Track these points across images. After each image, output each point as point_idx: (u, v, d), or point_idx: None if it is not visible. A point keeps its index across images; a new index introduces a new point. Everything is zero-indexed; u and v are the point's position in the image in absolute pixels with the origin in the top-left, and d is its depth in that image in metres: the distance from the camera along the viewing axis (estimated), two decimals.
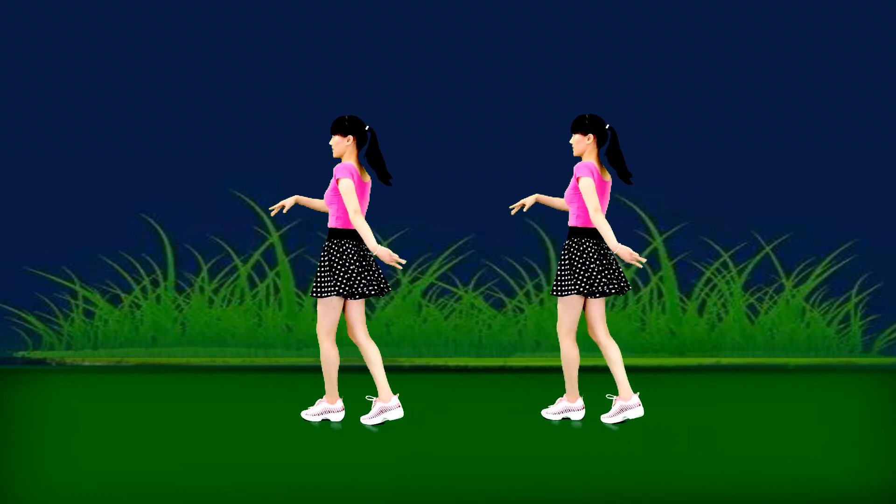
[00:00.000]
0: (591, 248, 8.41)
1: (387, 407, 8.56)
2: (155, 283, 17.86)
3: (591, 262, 8.40)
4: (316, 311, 8.53)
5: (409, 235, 17.68)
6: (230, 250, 17.90)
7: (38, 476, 6.05)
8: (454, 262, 17.85)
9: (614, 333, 17.79)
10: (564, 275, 8.41)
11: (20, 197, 17.39)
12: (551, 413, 8.74)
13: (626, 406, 8.58)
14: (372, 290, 8.46)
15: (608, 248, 8.45)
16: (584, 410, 8.72)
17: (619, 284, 8.49)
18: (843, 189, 17.38)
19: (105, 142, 17.49)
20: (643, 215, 17.47)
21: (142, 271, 17.83)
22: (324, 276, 8.42)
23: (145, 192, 17.53)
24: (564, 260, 8.44)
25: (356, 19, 17.60)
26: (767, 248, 17.86)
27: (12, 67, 17.47)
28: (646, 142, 17.28)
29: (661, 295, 17.89)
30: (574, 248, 8.42)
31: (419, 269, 17.95)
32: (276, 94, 17.30)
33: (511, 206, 8.86)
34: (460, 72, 17.58)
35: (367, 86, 17.47)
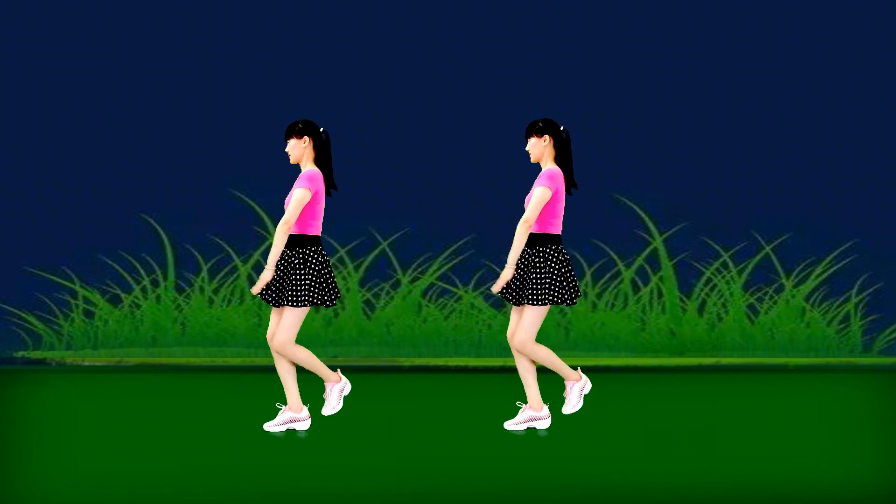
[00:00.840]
0: (560, 254, 8.34)
1: (297, 417, 8.40)
2: (155, 283, 17.87)
3: (564, 269, 8.32)
4: (270, 318, 8.37)
5: (409, 235, 17.68)
6: (230, 250, 17.91)
7: (38, 476, 6.05)
8: (454, 262, 17.86)
9: (615, 333, 17.83)
10: (540, 283, 8.27)
11: (20, 197, 17.40)
12: (571, 406, 8.53)
13: (537, 416, 8.42)
14: (337, 295, 8.39)
15: (566, 255, 8.38)
16: (588, 381, 8.52)
17: (577, 292, 8.42)
18: (843, 189, 17.38)
19: (105, 142, 17.49)
20: (643, 215, 17.48)
21: (142, 271, 17.84)
22: (297, 285, 8.26)
23: (145, 192, 17.53)
24: (537, 268, 8.28)
25: (357, 20, 17.61)
26: (767, 248, 17.86)
27: (12, 67, 17.47)
28: (646, 142, 17.28)
29: (661, 295, 17.89)
30: (546, 256, 8.31)
31: (419, 269, 17.95)
32: (276, 94, 17.30)
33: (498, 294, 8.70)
34: (461, 74, 17.58)
35: (367, 87, 17.47)
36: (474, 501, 5.30)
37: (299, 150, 8.47)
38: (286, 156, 8.51)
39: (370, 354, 17.68)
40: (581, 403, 8.53)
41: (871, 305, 17.72)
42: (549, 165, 8.40)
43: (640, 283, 17.82)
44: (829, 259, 17.73)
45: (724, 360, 17.49)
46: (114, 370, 16.29)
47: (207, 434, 8.09)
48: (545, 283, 8.27)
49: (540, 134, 8.40)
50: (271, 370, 16.29)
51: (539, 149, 8.40)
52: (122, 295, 17.78)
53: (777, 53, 17.59)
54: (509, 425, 8.41)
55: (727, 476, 5.98)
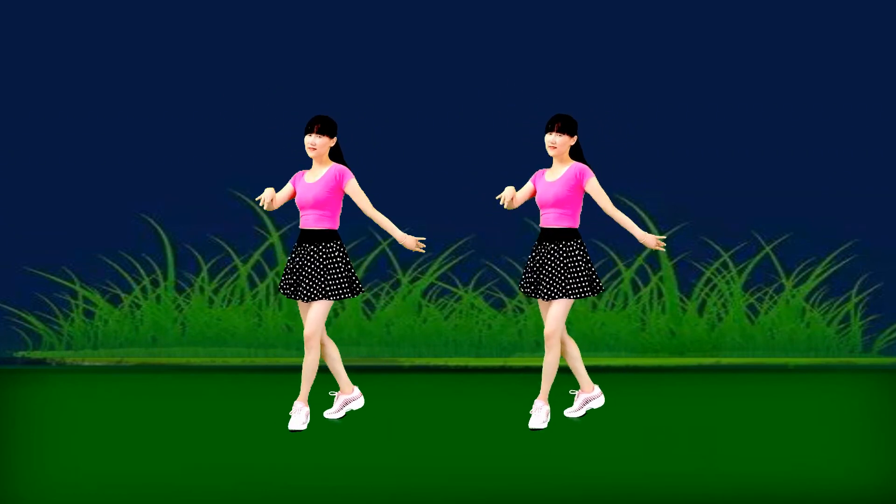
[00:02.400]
0: (584, 247, 8.46)
1: (350, 398, 8.70)
2: (155, 283, 17.86)
3: (590, 262, 8.45)
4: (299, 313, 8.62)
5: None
6: (230, 250, 17.90)
7: (38, 476, 6.05)
8: (454, 262, 17.86)
9: (614, 333, 17.83)
10: (576, 276, 8.35)
11: (20, 197, 17.40)
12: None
13: (590, 397, 8.65)
14: (362, 286, 8.58)
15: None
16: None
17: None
18: (843, 189, 17.38)
19: (105, 142, 17.49)
20: (643, 215, 17.48)
21: (142, 271, 17.84)
22: (329, 278, 8.38)
23: (145, 192, 17.53)
24: (570, 261, 8.36)
25: (357, 20, 17.61)
26: (767, 248, 17.86)
27: (12, 67, 17.47)
28: (646, 142, 17.28)
29: (661, 295, 17.89)
30: (575, 249, 8.39)
31: (419, 269, 17.95)
32: (276, 94, 17.30)
33: (499, 200, 8.80)
34: (460, 72, 17.58)
35: (367, 86, 17.47)
36: (474, 501, 5.30)
37: (326, 148, 8.59)
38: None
39: (370, 354, 17.68)
40: (582, 412, 8.61)
41: (871, 305, 17.71)
42: (569, 162, 8.49)
43: (640, 283, 17.82)
44: (829, 259, 17.73)
45: (724, 360, 17.49)
46: (114, 370, 16.30)
47: (207, 434, 8.09)
48: (584, 275, 8.37)
49: (572, 134, 8.52)
50: (271, 370, 16.30)
51: (565, 147, 8.51)
52: (122, 295, 17.78)
53: (777, 53, 17.58)
54: (570, 413, 8.60)
55: (727, 476, 5.98)
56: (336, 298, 8.39)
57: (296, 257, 8.53)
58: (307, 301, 8.40)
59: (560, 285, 8.35)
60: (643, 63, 17.53)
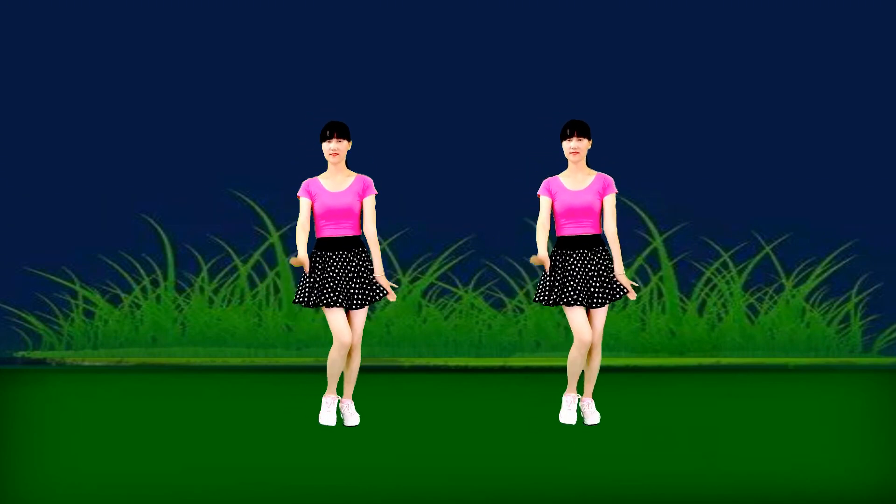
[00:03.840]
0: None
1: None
2: (155, 283, 17.87)
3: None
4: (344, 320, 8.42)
5: (409, 235, 17.68)
6: (230, 250, 17.91)
7: (38, 476, 6.05)
8: (454, 262, 17.86)
9: (615, 333, 17.83)
10: (614, 279, 8.45)
11: (20, 197, 17.40)
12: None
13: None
14: None
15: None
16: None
17: None
18: (843, 189, 17.38)
19: (105, 142, 17.50)
20: (643, 215, 17.48)
21: (142, 271, 17.84)
22: (374, 281, 8.51)
23: (145, 192, 17.53)
24: (610, 264, 8.44)
25: (357, 20, 17.61)
26: (767, 248, 17.86)
27: (13, 67, 17.47)
28: (646, 142, 17.28)
29: (661, 295, 17.89)
30: (607, 253, 8.48)
31: (419, 269, 17.95)
32: (275, 94, 17.30)
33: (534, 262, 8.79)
34: (461, 73, 17.58)
35: (368, 87, 17.48)
36: (474, 501, 5.30)
37: (346, 153, 8.65)
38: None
39: (370, 354, 17.68)
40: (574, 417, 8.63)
41: (871, 305, 17.72)
42: (589, 170, 8.54)
43: (640, 283, 17.83)
44: (829, 259, 17.73)
45: (724, 360, 17.49)
46: (114, 370, 16.29)
47: (207, 434, 8.09)
48: (615, 277, 8.46)
49: (589, 137, 8.57)
50: (271, 370, 16.28)
51: (586, 151, 8.56)
52: (122, 295, 17.78)
53: (777, 53, 17.59)
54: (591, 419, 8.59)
55: (727, 476, 5.98)
56: (380, 299, 8.53)
57: (333, 268, 8.43)
58: (365, 306, 8.42)
59: (614, 288, 8.40)
60: (644, 65, 17.53)
